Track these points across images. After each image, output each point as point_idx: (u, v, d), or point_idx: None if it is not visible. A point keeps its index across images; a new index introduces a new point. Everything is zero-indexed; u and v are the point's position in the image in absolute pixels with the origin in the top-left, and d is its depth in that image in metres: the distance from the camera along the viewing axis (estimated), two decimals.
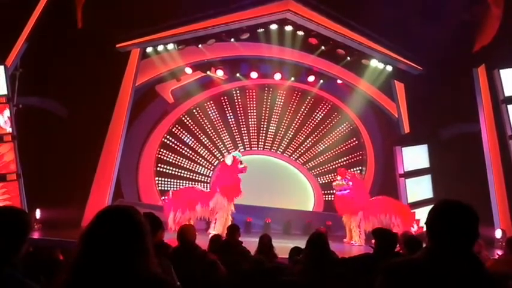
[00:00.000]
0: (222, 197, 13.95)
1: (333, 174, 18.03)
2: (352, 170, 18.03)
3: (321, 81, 17.84)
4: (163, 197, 15.37)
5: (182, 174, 18.07)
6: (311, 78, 17.72)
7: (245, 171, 14.33)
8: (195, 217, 13.99)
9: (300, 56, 16.93)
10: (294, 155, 18.59)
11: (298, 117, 18.66)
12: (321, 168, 18.41)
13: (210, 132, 18.36)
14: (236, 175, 14.17)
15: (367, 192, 15.25)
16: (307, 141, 18.61)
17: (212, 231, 13.23)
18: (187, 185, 17.43)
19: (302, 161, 18.56)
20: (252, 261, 5.55)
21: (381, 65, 16.17)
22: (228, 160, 14.53)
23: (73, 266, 1.99)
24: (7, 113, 13.11)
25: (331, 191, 16.08)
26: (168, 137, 18.15)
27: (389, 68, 16.17)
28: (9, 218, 2.56)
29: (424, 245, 2.67)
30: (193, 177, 18.07)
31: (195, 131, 18.30)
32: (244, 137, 18.56)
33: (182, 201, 13.94)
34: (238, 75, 17.97)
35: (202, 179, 18.08)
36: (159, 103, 17.90)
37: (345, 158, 18.35)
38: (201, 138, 18.32)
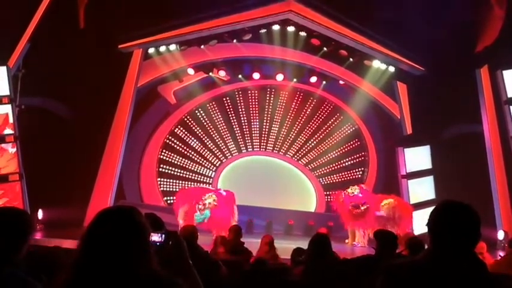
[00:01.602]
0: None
1: (335, 175, 18.05)
2: (354, 171, 18.12)
3: (324, 82, 17.82)
4: (166, 198, 15.28)
5: (184, 175, 18.05)
6: (313, 79, 17.71)
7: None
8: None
9: (302, 57, 16.93)
10: (296, 156, 18.57)
11: (300, 118, 18.61)
12: (323, 169, 18.37)
13: (212, 133, 18.34)
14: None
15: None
16: (310, 142, 18.56)
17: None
18: (189, 186, 17.45)
19: (304, 162, 18.53)
20: (254, 262, 5.55)
21: (383, 66, 16.16)
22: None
23: (74, 265, 1.99)
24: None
25: (333, 192, 16.04)
26: (170, 137, 18.14)
27: (391, 68, 16.15)
28: (9, 218, 2.57)
29: (426, 247, 2.67)
30: (196, 178, 18.05)
31: (198, 132, 18.30)
32: (246, 138, 18.54)
33: (190, 195, 13.92)
34: (240, 76, 17.97)
35: (205, 180, 18.06)
36: (161, 104, 17.91)
37: (347, 159, 18.32)
38: (204, 139, 18.31)
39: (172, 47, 15.89)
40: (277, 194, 17.17)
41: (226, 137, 18.41)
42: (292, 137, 18.61)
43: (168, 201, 17.14)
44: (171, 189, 17.49)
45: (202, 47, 16.00)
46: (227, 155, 18.37)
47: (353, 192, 14.56)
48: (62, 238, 9.89)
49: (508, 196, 13.82)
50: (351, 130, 18.53)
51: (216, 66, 17.35)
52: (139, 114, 16.84)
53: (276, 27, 15.63)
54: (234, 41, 16.09)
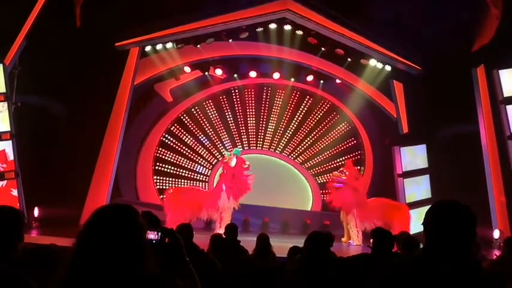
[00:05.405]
0: (228, 197, 14.02)
1: (331, 174, 18.05)
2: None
3: (321, 81, 17.84)
4: (162, 196, 15.28)
5: (181, 173, 18.06)
6: (310, 78, 17.73)
7: (248, 170, 14.43)
8: (198, 218, 14.00)
9: (299, 56, 16.93)
10: (292, 155, 18.59)
11: (297, 116, 18.67)
12: (320, 167, 18.40)
13: (208, 131, 18.35)
14: (241, 175, 14.23)
15: (363, 192, 15.23)
16: (306, 141, 18.60)
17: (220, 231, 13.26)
18: (185, 184, 17.46)
19: (300, 161, 18.55)
20: (250, 261, 5.56)
21: (379, 65, 16.15)
22: (232, 162, 14.53)
23: (70, 264, 1.99)
24: None
25: (329, 191, 16.06)
26: (166, 136, 18.14)
27: (388, 67, 16.16)
28: (5, 217, 2.57)
29: (421, 245, 2.68)
30: (192, 176, 18.07)
31: (194, 130, 18.30)
32: (242, 136, 18.56)
33: (185, 204, 13.84)
34: (235, 75, 17.98)
35: (201, 178, 18.08)
36: (158, 102, 17.91)
37: (344, 158, 18.31)
38: (200, 137, 18.31)
39: (169, 45, 15.85)
40: (273, 192, 17.17)
41: (222, 135, 18.42)
42: (289, 135, 18.64)
43: (163, 199, 17.12)
44: (167, 187, 17.45)
45: (198, 46, 15.97)
46: (224, 153, 18.36)
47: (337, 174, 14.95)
48: (58, 236, 9.87)
49: (504, 195, 13.85)
50: (347, 129, 18.57)
51: (212, 64, 17.35)
52: (136, 112, 16.86)
53: (272, 26, 15.61)
54: (230, 40, 16.07)
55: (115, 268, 1.96)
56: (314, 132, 18.60)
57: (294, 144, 18.63)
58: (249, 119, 18.65)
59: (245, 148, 18.43)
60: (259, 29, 15.72)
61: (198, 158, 18.25)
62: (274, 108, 18.68)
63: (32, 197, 13.24)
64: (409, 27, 13.90)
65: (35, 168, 13.31)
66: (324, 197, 17.91)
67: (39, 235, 11.84)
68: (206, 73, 17.54)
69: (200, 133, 18.31)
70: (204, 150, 18.31)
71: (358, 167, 18.13)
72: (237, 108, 18.60)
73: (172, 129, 18.21)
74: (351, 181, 14.67)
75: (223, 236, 6.99)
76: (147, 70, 16.55)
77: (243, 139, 18.55)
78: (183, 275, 2.35)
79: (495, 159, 14.12)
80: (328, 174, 17.78)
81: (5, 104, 13.19)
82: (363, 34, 15.29)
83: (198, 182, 17.83)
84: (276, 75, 17.74)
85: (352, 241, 14.19)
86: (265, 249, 6.69)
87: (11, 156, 13.13)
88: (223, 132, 18.42)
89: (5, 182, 13.02)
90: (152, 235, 2.38)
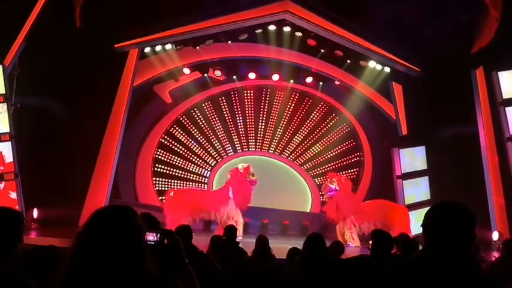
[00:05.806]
0: (236, 205, 14.08)
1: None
2: (349, 171, 18.10)
3: (321, 83, 17.84)
4: (161, 198, 15.26)
5: (180, 175, 18.05)
6: (309, 80, 17.72)
7: (254, 184, 14.44)
8: (200, 219, 14.06)
9: (298, 57, 16.91)
10: (291, 156, 18.59)
11: (296, 118, 18.67)
12: (319, 169, 18.40)
13: (207, 133, 18.35)
14: (246, 184, 14.25)
15: (356, 197, 15.22)
16: (305, 142, 18.60)
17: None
18: (184, 185, 17.45)
19: (299, 162, 18.55)
20: (249, 262, 5.56)
21: (378, 67, 16.14)
22: (240, 166, 14.60)
23: (69, 265, 1.99)
24: None
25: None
26: (165, 137, 18.13)
27: (387, 69, 16.15)
28: (3, 217, 2.58)
29: (420, 247, 2.67)
30: (191, 178, 18.06)
31: (193, 132, 18.29)
32: (242, 138, 18.55)
33: (186, 205, 13.85)
34: (234, 77, 17.97)
35: (200, 180, 18.07)
36: (157, 103, 17.89)
37: (343, 159, 18.35)
38: (199, 138, 18.31)
39: (168, 46, 15.83)
40: (272, 193, 17.14)
41: (222, 137, 18.42)
42: (288, 136, 18.63)
43: (164, 201, 17.11)
44: (166, 188, 17.44)
45: (197, 47, 15.97)
46: (223, 154, 18.37)
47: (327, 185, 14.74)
48: (57, 237, 9.86)
49: (503, 196, 13.86)
50: (346, 130, 18.56)
51: (212, 66, 17.33)
52: (135, 114, 16.83)
53: (272, 28, 15.62)
54: (229, 42, 16.07)
55: (114, 269, 1.97)
56: (313, 134, 18.60)
57: (293, 146, 18.63)
58: (248, 120, 18.64)
59: (244, 150, 18.44)
60: (259, 31, 15.72)
61: (197, 159, 18.24)
62: (274, 110, 18.68)
63: (31, 198, 13.23)
64: (408, 28, 13.90)
65: (34, 170, 13.31)
66: (323, 198, 17.88)
67: (38, 236, 11.82)
68: (205, 75, 17.53)
69: (199, 134, 18.30)
70: (203, 152, 18.30)
71: (357, 169, 18.18)
72: (236, 110, 18.59)
73: (171, 130, 18.20)
74: (341, 187, 14.61)
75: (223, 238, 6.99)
76: (146, 71, 16.53)
77: (242, 140, 18.54)
78: (182, 276, 2.35)
79: (494, 161, 14.13)
80: (326, 176, 17.82)
81: (4, 105, 13.20)
82: (362, 36, 15.30)
83: (197, 184, 17.83)
84: (275, 77, 17.73)
85: (351, 243, 14.18)
86: (264, 251, 6.69)
87: (8, 158, 13.12)
88: (222, 133, 18.41)
89: (2, 184, 13.02)
90: (151, 236, 2.39)
